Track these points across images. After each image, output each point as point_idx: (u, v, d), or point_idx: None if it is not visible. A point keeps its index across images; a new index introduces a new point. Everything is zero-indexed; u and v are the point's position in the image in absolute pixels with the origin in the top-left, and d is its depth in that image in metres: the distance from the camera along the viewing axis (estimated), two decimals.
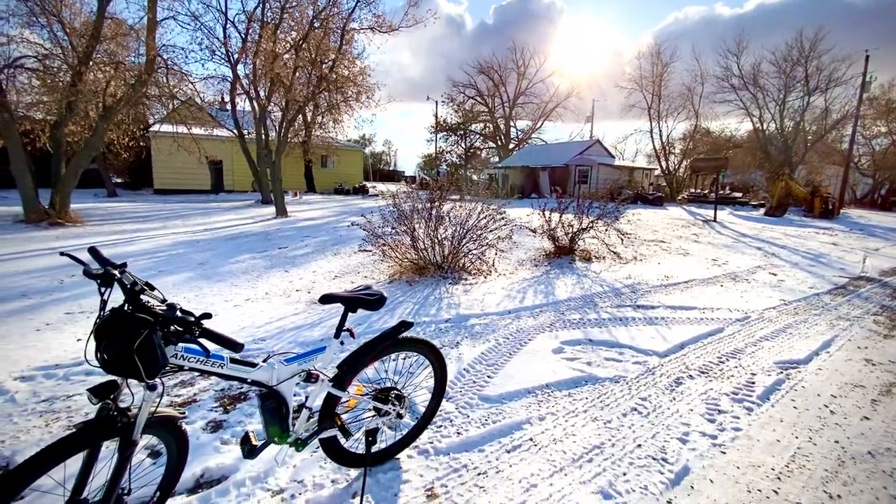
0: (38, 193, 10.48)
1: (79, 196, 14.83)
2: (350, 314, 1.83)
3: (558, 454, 2.27)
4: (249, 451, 1.70)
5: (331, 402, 1.85)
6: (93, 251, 1.38)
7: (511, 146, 39.63)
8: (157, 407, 1.39)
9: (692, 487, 2.07)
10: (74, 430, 1.30)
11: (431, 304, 4.76)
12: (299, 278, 5.98)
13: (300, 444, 1.79)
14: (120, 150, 15.55)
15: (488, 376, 3.15)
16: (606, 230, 7.38)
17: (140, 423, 1.35)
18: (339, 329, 1.80)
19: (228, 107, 18.66)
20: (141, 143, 18.16)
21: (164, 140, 17.23)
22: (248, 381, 1.59)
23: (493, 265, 6.40)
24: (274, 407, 1.66)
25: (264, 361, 1.64)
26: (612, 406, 2.78)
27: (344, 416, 1.98)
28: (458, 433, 2.44)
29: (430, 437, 2.38)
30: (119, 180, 24.93)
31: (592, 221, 7.25)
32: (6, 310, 4.40)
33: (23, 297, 4.86)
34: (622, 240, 7.53)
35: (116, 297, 1.33)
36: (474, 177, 34.07)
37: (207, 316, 1.31)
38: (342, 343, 1.82)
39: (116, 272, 1.30)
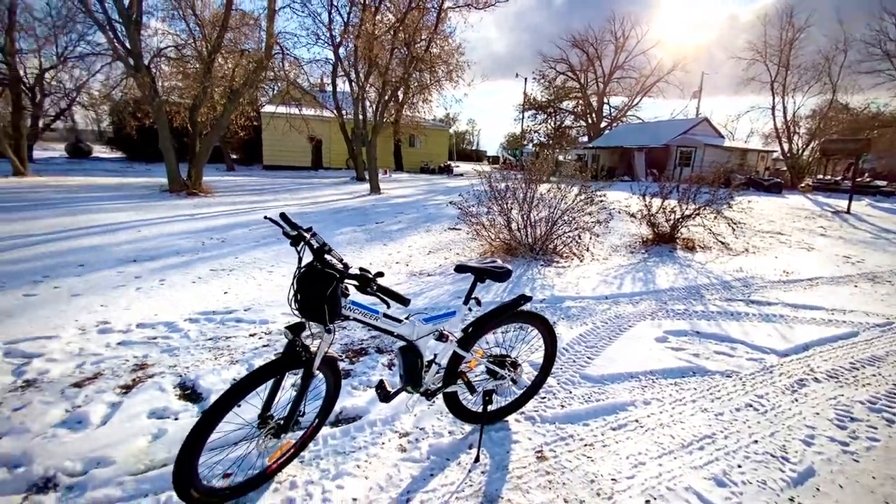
0: (179, 167, 12.23)
1: (205, 170, 16.99)
2: (478, 284, 2.00)
3: (666, 438, 2.29)
4: (384, 395, 1.97)
5: (456, 360, 2.05)
6: (283, 216, 1.68)
7: (602, 125, 37.45)
8: (329, 347, 1.68)
9: (818, 490, 1.98)
10: (265, 364, 1.62)
11: (524, 285, 4.85)
12: (397, 251, 6.39)
13: (430, 395, 2.02)
14: (237, 130, 17.41)
15: (588, 357, 3.19)
16: (715, 218, 6.83)
17: (318, 359, 1.65)
18: (468, 296, 1.99)
19: (329, 88, 19.92)
20: (254, 123, 20.14)
21: (273, 120, 19.00)
22: (395, 333, 1.83)
23: (587, 249, 6.28)
24: (412, 359, 1.90)
25: (406, 319, 1.87)
26: (723, 399, 2.69)
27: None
28: (562, 406, 2.55)
29: (535, 406, 2.52)
30: (234, 156, 27.96)
31: (699, 208, 6.74)
32: (168, 264, 5.30)
33: (176, 254, 5.80)
34: (733, 229, 6.92)
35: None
36: (561, 157, 32.92)
37: (381, 274, 1.55)
38: (470, 309, 2.01)
39: (307, 235, 1.58)
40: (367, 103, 17.30)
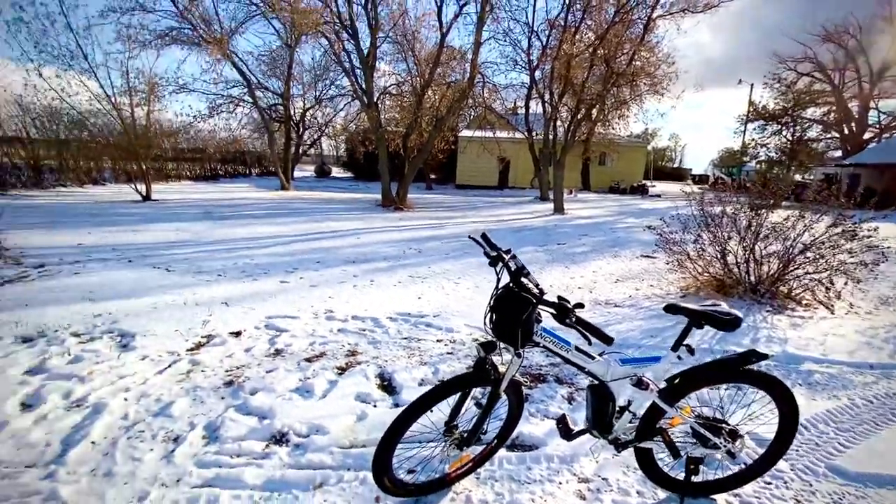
0: (390, 186, 14.36)
1: (410, 188, 19.50)
2: (694, 329, 1.69)
3: None
4: (566, 433, 1.82)
5: (655, 413, 1.77)
6: (484, 237, 1.73)
7: (866, 136, 28.68)
8: (516, 371, 1.64)
9: None
10: (458, 376, 1.69)
11: (743, 333, 3.97)
12: (580, 276, 6.07)
13: (619, 446, 1.79)
14: (438, 153, 19.53)
15: (840, 444, 2.38)
16: None
17: (506, 381, 1.63)
18: (679, 342, 1.69)
19: (520, 111, 20.61)
20: (451, 147, 22.29)
21: (466, 142, 20.65)
22: (586, 370, 1.68)
23: (839, 297, 4.80)
24: (602, 401, 1.71)
25: (600, 355, 1.70)
26: None
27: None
28: (798, 502, 1.94)
29: (757, 492, 1.98)
30: (432, 176, 31.44)
31: None
32: (377, 268, 6.19)
33: (384, 260, 6.73)
34: None
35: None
36: (798, 176, 26.52)
37: (580, 306, 1.45)
38: (679, 358, 1.71)
39: (506, 256, 1.59)
40: (559, 122, 17.23)
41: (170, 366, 3.00)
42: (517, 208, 15.50)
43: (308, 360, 3.19)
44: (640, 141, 32.38)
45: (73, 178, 16.25)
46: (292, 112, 23.12)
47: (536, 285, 1.55)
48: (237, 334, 3.60)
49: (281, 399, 2.63)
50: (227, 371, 2.97)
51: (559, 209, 13.81)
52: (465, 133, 22.80)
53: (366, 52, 13.42)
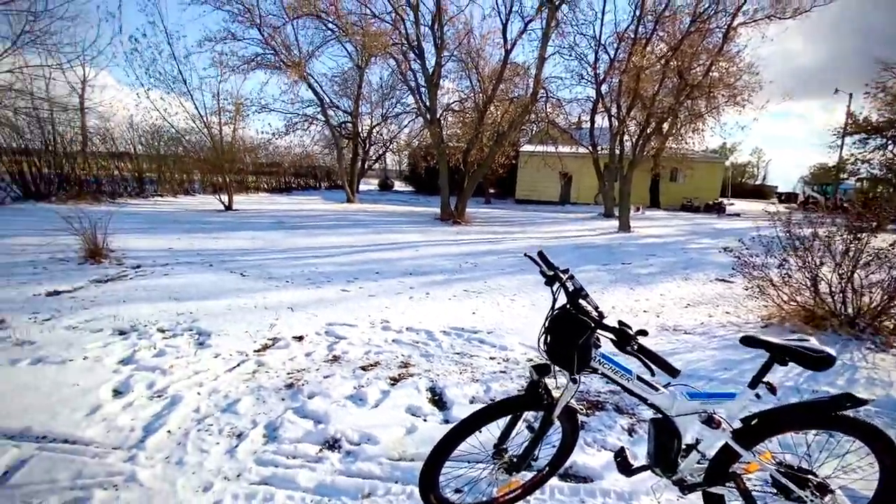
0: (449, 200, 14.55)
1: (468, 202, 19.65)
2: (776, 365, 1.52)
3: None
4: (625, 468, 1.70)
5: (727, 455, 1.60)
6: (541, 255, 1.69)
7: None
8: (571, 397, 1.57)
9: None
10: (509, 397, 1.64)
11: (836, 372, 3.52)
12: (645, 299, 5.72)
13: (685, 488, 1.64)
14: (497, 167, 19.53)
15: None
16: None
17: (560, 406, 1.56)
18: (757, 379, 1.53)
19: (585, 125, 20.12)
20: (512, 161, 22.20)
21: (527, 157, 20.44)
22: (648, 401, 1.56)
23: None
24: (665, 437, 1.58)
25: (665, 387, 1.57)
26: None
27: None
28: None
29: None
30: (491, 190, 31.46)
31: None
32: (433, 280, 6.25)
33: (440, 273, 6.79)
34: None
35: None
36: None
37: (644, 333, 1.36)
38: (758, 396, 1.54)
39: (563, 276, 1.54)
40: (626, 137, 16.60)
41: (238, 365, 3.21)
42: (579, 225, 15.03)
43: (363, 368, 3.27)
44: (717, 156, 30.27)
45: (168, 189, 18.18)
46: (360, 129, 24.30)
47: (596, 308, 1.47)
48: (300, 339, 3.78)
49: (336, 405, 2.71)
50: (288, 374, 3.12)
51: (625, 227, 13.20)
52: (527, 148, 22.63)
53: (431, 70, 13.84)
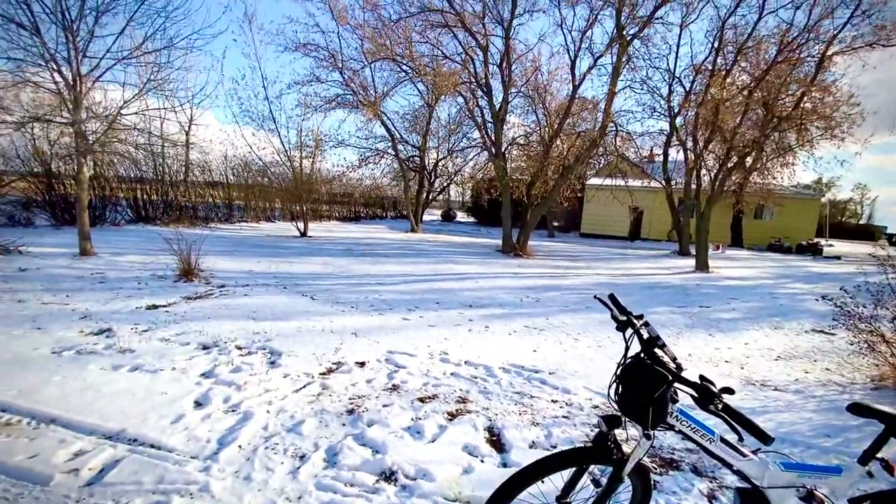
0: (512, 231, 14.47)
1: (531, 235, 19.42)
2: (891, 439, 1.31)
3: None
4: None
5: None
6: (612, 298, 1.62)
7: None
8: (644, 454, 1.45)
9: None
10: (576, 448, 1.55)
11: None
12: (727, 347, 5.22)
13: None
14: (562, 200, 19.20)
15: None
16: None
17: (631, 463, 1.45)
18: (869, 454, 1.32)
19: (657, 158, 19.33)
20: (577, 194, 21.76)
21: (593, 191, 19.92)
22: (734, 468, 1.40)
23: None
24: None
25: (754, 453, 1.41)
26: None
27: None
28: None
29: None
30: (555, 223, 30.90)
31: None
32: (493, 314, 6.18)
33: (500, 306, 6.70)
34: None
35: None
36: None
37: (730, 391, 1.24)
38: (870, 474, 1.32)
39: (637, 322, 1.46)
40: (703, 171, 15.68)
41: (304, 386, 3.35)
42: (650, 262, 14.22)
43: (421, 399, 3.27)
44: (812, 192, 27.53)
45: (252, 216, 19.89)
46: (426, 162, 25.24)
47: (673, 359, 1.37)
48: (362, 364, 3.88)
49: (393, 436, 2.71)
50: (350, 399, 3.20)
51: (702, 266, 12.28)
52: (594, 181, 22.10)
53: (498, 106, 14.16)
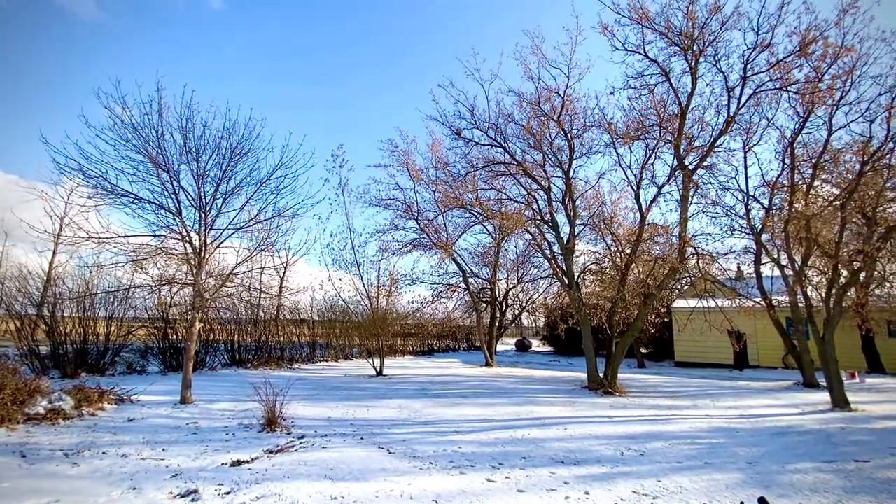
0: (597, 364, 13.39)
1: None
2: None
3: None
4: None
5: None
6: (761, 500, 1.30)
7: None
8: None
9: None
10: None
11: None
12: None
13: None
14: (648, 327, 17.83)
15: None
16: None
17: None
18: None
19: (746, 275, 17.88)
20: (664, 319, 20.18)
21: (683, 315, 18.35)
22: None
23: None
24: None
25: None
26: None
27: None
28: None
29: None
30: (644, 350, 28.27)
31: None
32: (590, 473, 5.35)
33: (597, 462, 5.82)
34: None
35: None
36: None
37: None
38: None
39: None
40: (812, 287, 14.06)
41: None
42: (770, 397, 12.08)
43: None
44: None
45: (332, 355, 20.62)
46: (497, 292, 25.54)
47: None
48: None
49: None
50: None
51: (841, 403, 10.13)
52: (680, 303, 20.61)
53: (566, 238, 14.46)
